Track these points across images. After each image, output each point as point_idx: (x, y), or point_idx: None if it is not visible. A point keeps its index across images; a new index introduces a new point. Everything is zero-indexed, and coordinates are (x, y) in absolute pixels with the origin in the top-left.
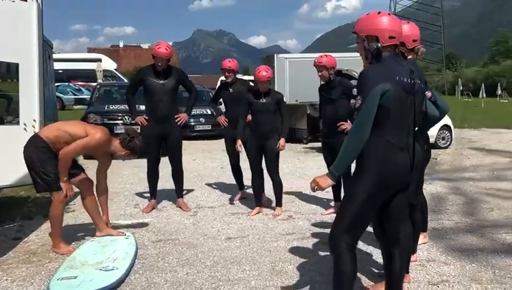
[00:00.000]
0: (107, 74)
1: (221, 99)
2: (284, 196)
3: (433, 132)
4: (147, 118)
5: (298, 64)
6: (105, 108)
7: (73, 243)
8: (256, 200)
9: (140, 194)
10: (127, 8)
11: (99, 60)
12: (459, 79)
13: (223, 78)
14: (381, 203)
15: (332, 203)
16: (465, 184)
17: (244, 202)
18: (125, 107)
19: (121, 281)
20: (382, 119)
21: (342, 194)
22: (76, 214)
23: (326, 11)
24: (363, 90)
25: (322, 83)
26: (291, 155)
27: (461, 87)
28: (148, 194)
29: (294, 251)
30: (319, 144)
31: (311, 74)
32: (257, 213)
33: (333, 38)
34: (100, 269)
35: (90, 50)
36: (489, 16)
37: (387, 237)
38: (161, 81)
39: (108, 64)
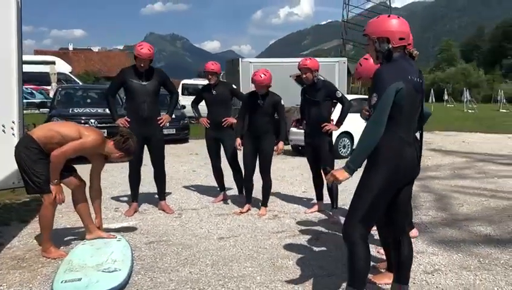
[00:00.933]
0: (60, 76)
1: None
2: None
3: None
4: (128, 119)
5: (263, 68)
6: (70, 111)
7: (61, 247)
8: (247, 198)
9: (116, 198)
10: (76, 10)
11: (53, 63)
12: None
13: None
14: (392, 195)
15: (314, 202)
16: (432, 182)
17: (225, 203)
18: (90, 110)
19: (125, 282)
20: (395, 115)
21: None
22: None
23: (279, 17)
24: (379, 88)
25: (305, 85)
26: None
27: None
28: (125, 198)
29: (289, 247)
30: (287, 147)
31: (276, 77)
32: (248, 210)
33: (286, 45)
34: (102, 271)
35: (37, 52)
36: (432, 26)
37: (396, 226)
38: (143, 83)
39: (63, 67)
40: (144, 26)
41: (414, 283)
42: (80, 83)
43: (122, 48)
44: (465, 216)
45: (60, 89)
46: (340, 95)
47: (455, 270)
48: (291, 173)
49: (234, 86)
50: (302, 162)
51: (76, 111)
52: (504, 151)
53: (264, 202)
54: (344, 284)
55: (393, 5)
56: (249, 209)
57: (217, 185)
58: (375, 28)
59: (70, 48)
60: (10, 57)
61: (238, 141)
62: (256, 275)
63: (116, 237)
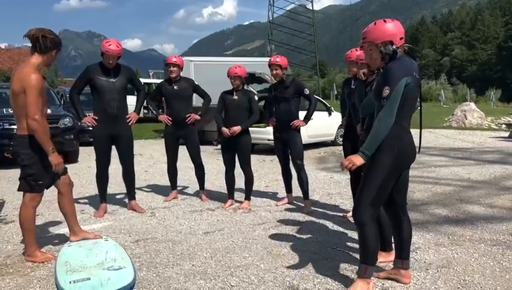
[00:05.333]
0: None
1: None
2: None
3: (332, 130)
4: (96, 118)
5: (204, 67)
6: (4, 112)
7: (43, 251)
8: (229, 193)
9: (76, 201)
10: None
11: None
12: (334, 84)
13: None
14: (397, 177)
15: (280, 196)
16: None
17: (193, 200)
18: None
19: (135, 278)
20: (401, 107)
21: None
22: (18, 224)
23: (202, 16)
24: (392, 81)
25: (275, 82)
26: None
27: (335, 92)
28: (86, 200)
29: (277, 237)
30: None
31: (217, 76)
32: (230, 205)
33: (209, 44)
34: (108, 269)
35: None
36: (348, 28)
37: (397, 205)
38: (111, 80)
39: None
40: (57, 22)
41: None
42: None
43: None
44: (421, 201)
45: None
46: (308, 92)
47: (433, 248)
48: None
49: (197, 83)
50: (253, 159)
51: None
52: (431, 144)
53: (247, 196)
54: (342, 265)
55: (310, 8)
56: (231, 204)
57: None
58: (378, 34)
59: None
60: None
61: (225, 130)
62: (259, 263)
63: (102, 237)
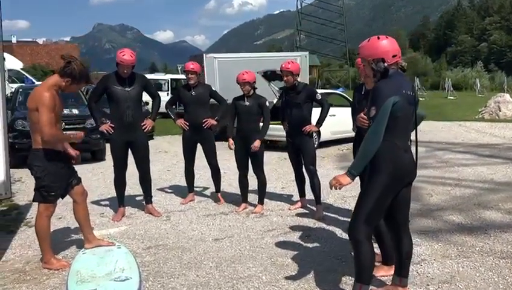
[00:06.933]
0: (11, 74)
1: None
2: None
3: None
4: (112, 125)
5: (228, 63)
6: None
7: (60, 257)
8: (243, 196)
9: (97, 203)
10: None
11: (3, 60)
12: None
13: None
14: (393, 197)
15: (295, 199)
16: None
17: (209, 203)
18: None
19: (140, 289)
20: (391, 126)
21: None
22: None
23: (233, 7)
24: (378, 102)
25: (286, 86)
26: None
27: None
28: (107, 201)
29: (284, 245)
30: None
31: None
32: (244, 209)
33: (240, 34)
34: (115, 280)
35: None
36: (381, 14)
37: (397, 223)
38: (126, 89)
39: (13, 63)
40: (92, 16)
41: None
42: (34, 80)
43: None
44: (437, 206)
45: (20, 90)
46: (320, 97)
47: (439, 260)
48: (265, 168)
49: (213, 88)
50: (274, 157)
51: None
52: (458, 139)
53: (260, 200)
54: (343, 279)
55: None
56: (245, 208)
57: (194, 185)
58: (370, 51)
59: (14, 40)
60: None
61: (231, 141)
62: (261, 275)
63: (115, 245)
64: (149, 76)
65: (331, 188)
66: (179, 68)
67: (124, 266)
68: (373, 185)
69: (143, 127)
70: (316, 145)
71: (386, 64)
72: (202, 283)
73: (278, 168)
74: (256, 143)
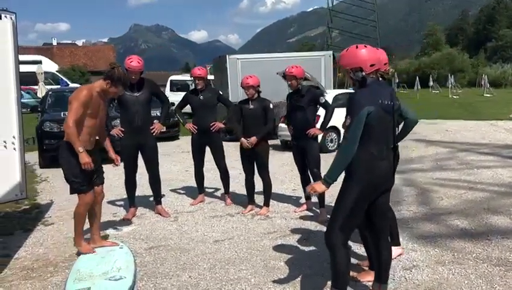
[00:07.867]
0: (47, 76)
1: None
2: (255, 196)
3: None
4: (122, 129)
5: (251, 64)
6: (62, 115)
7: (67, 255)
8: (249, 198)
9: (113, 203)
10: (61, 3)
11: (40, 62)
12: (395, 72)
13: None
14: (368, 204)
15: (302, 201)
16: (414, 175)
17: (218, 204)
18: None
19: (132, 289)
20: (367, 135)
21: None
22: (57, 227)
23: (266, 5)
24: (353, 112)
25: (291, 91)
26: None
27: (397, 80)
28: (122, 202)
29: (280, 248)
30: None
31: (264, 73)
32: (250, 211)
33: (273, 33)
34: (109, 279)
35: (20, 49)
36: (417, 9)
37: (377, 230)
38: (135, 94)
39: (49, 66)
40: (129, 17)
41: (393, 279)
42: (68, 82)
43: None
44: (444, 210)
45: (50, 92)
46: (324, 100)
47: (431, 266)
48: (281, 169)
49: (221, 92)
50: (291, 158)
51: None
52: (486, 139)
53: (266, 202)
54: (328, 283)
55: None
56: (251, 210)
57: (206, 185)
58: (348, 60)
59: (54, 42)
60: (7, 74)
61: (244, 140)
62: (251, 277)
63: (118, 245)
64: (176, 77)
65: (308, 195)
66: (208, 68)
67: (121, 265)
68: (348, 192)
69: (152, 131)
70: (335, 146)
71: (363, 73)
72: (192, 284)
73: (294, 169)
74: (252, 139)
